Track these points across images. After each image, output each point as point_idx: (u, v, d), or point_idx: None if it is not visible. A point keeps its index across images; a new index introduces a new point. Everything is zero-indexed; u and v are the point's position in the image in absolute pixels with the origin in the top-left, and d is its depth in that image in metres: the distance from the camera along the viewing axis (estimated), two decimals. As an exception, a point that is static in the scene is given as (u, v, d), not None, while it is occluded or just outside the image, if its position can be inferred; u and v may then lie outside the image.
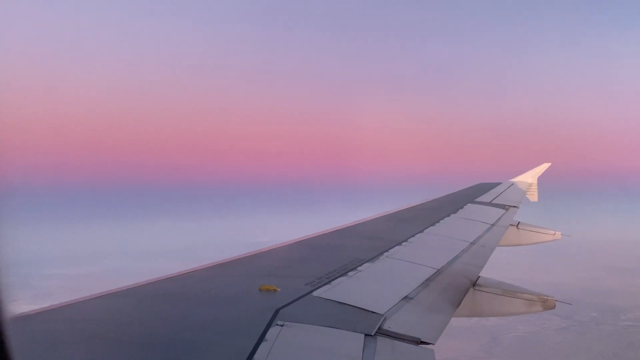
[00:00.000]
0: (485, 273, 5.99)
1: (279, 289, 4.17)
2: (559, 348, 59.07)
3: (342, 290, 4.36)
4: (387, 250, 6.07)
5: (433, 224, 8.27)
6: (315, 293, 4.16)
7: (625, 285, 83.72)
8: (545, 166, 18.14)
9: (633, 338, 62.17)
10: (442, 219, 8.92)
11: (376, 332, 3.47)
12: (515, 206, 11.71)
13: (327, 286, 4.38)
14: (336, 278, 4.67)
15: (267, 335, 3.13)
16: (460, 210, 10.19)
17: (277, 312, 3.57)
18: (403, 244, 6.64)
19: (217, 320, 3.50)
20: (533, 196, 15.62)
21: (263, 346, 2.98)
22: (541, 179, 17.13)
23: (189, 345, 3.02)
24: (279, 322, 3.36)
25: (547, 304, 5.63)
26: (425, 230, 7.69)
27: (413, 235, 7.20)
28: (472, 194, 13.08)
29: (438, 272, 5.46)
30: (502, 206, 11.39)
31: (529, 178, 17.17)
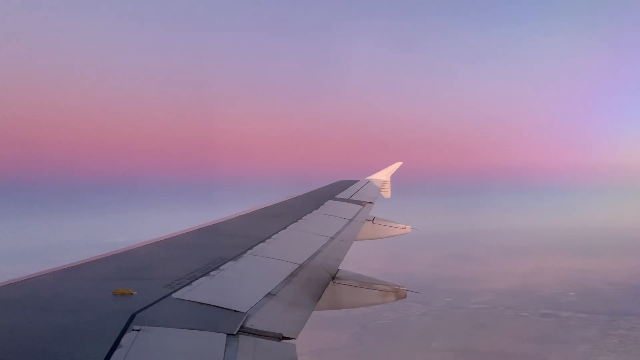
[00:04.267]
0: (344, 266, 6.21)
1: (135, 292, 3.96)
2: (421, 331, 64.39)
3: (204, 290, 4.26)
4: (250, 248, 6.04)
5: (296, 220, 8.41)
6: (175, 295, 4.02)
7: (471, 271, 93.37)
8: (397, 165, 19.39)
9: (483, 319, 70.01)
10: (305, 215, 9.11)
11: (238, 330, 3.44)
12: (371, 202, 12.30)
13: (187, 287, 4.25)
14: (198, 278, 4.54)
15: (122, 342, 2.96)
16: (321, 206, 10.48)
17: (133, 316, 3.39)
18: (267, 240, 6.66)
19: (66, 328, 3.23)
20: (386, 193, 16.56)
21: (118, 353, 2.81)
22: (394, 177, 18.27)
23: (35, 356, 2.76)
24: (136, 327, 3.19)
25: (399, 294, 5.99)
26: (288, 227, 7.79)
27: (277, 232, 7.26)
28: (332, 191, 13.52)
29: (300, 268, 5.56)
30: (360, 202, 11.91)
31: (382, 176, 18.19)
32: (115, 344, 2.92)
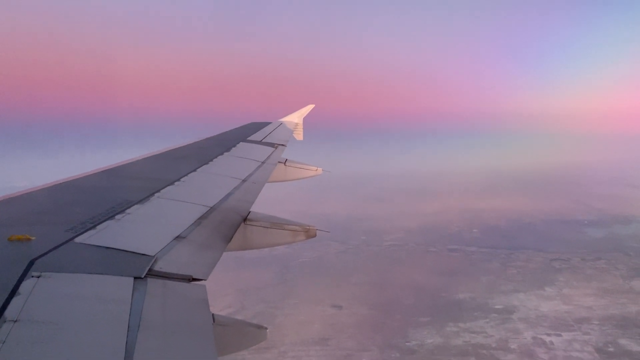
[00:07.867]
0: (257, 208, 6.25)
1: (33, 238, 3.78)
2: (340, 268, 68.08)
3: (109, 234, 4.15)
4: (158, 191, 5.89)
5: (206, 163, 8.27)
6: (77, 239, 3.89)
7: (381, 212, 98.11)
8: (309, 107, 19.46)
9: (396, 255, 75.00)
10: (216, 157, 8.97)
11: (147, 274, 3.41)
12: (283, 144, 12.33)
13: (91, 231, 4.12)
14: (102, 222, 4.40)
15: (21, 289, 2.86)
16: (233, 148, 10.36)
17: (32, 262, 3.26)
18: (176, 183, 6.52)
19: None
20: (299, 135, 16.63)
21: (16, 300, 2.71)
22: (306, 119, 18.34)
23: None
24: (35, 274, 3.08)
25: (309, 233, 6.16)
26: (198, 169, 7.66)
27: (186, 175, 7.11)
28: (244, 133, 13.37)
29: (211, 210, 5.53)
30: (272, 144, 11.90)
31: (295, 118, 18.20)
32: (13, 292, 2.81)
